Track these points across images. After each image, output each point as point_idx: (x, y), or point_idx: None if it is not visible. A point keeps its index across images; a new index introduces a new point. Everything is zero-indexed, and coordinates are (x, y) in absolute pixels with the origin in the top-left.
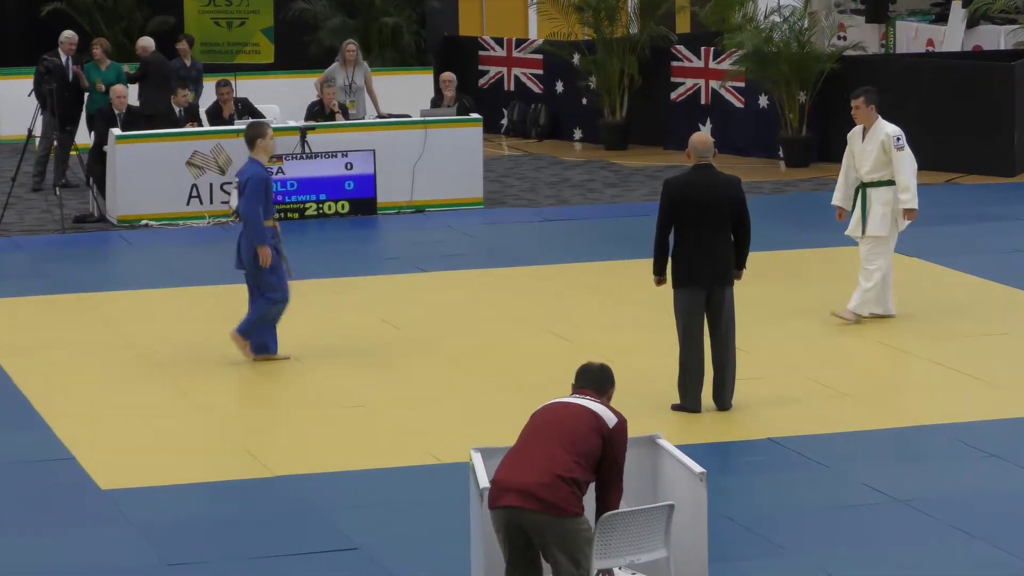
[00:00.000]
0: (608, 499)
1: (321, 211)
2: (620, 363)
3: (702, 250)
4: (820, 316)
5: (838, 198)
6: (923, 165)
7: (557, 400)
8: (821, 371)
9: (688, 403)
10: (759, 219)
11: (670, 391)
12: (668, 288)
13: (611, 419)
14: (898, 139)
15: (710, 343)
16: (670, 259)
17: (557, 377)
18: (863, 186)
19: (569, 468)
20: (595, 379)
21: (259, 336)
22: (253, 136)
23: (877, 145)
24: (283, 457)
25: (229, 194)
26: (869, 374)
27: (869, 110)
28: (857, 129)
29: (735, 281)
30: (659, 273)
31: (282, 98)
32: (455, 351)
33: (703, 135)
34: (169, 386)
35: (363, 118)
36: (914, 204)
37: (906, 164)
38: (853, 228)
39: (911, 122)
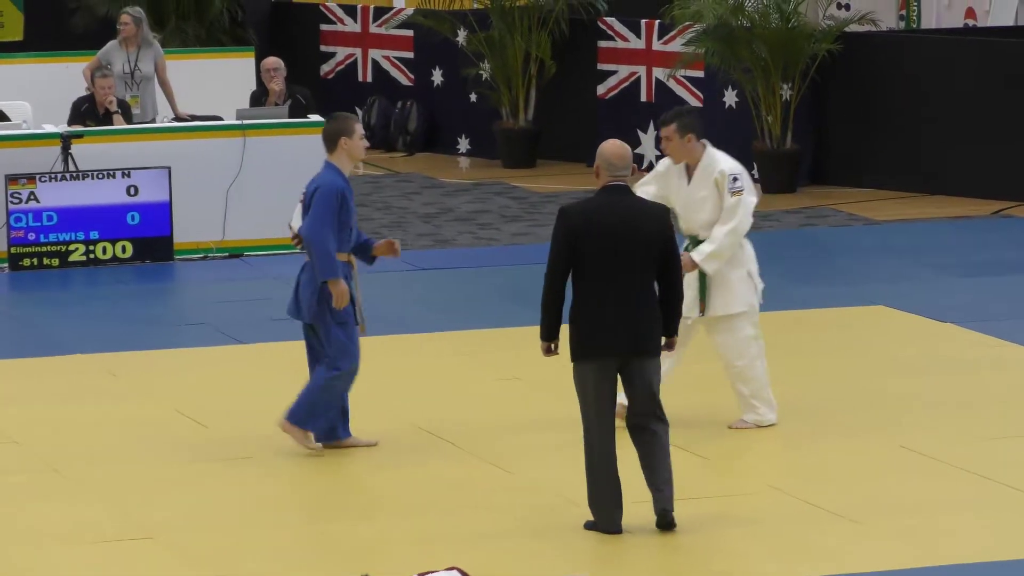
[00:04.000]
0: None
1: (92, 255)
2: (519, 476)
3: (614, 306)
4: (810, 404)
5: None
6: (961, 189)
7: None
8: (811, 487)
9: (602, 521)
10: None
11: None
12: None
13: None
14: (735, 179)
15: (632, 440)
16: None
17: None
18: (700, 245)
19: None
20: None
21: (322, 420)
22: (336, 133)
23: (710, 188)
24: None
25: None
26: (884, 491)
27: (686, 143)
28: (678, 166)
29: (663, 352)
30: (549, 337)
31: (35, 92)
32: (289, 460)
33: (617, 144)
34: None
35: (153, 120)
36: (708, 266)
37: (738, 215)
38: (689, 306)
39: (944, 128)
